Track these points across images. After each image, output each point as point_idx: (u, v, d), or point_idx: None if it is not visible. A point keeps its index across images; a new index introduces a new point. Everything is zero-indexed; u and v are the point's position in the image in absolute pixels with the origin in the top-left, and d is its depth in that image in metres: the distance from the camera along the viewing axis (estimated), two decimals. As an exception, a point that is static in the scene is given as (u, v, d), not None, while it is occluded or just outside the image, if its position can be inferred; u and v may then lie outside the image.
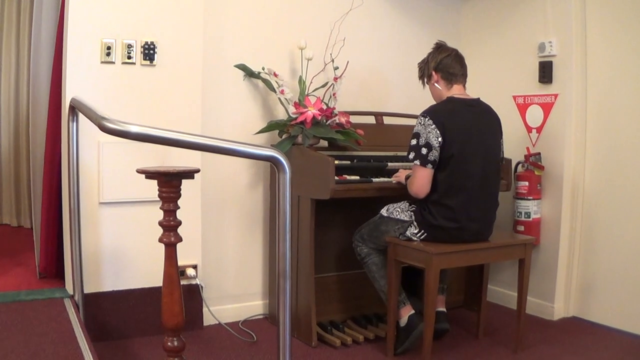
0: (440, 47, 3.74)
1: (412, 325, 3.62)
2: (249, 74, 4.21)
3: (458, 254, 3.48)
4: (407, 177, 3.65)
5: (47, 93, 3.96)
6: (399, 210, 3.66)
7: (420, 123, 3.49)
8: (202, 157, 3.85)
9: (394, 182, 3.81)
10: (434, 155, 3.44)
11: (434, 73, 3.69)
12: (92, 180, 3.62)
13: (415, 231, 3.55)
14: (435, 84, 3.69)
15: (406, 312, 3.66)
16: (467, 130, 3.49)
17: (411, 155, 3.49)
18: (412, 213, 3.59)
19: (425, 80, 3.79)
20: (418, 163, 3.46)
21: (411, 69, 3.91)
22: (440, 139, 3.42)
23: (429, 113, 3.50)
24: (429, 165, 3.45)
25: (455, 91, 3.65)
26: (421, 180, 3.48)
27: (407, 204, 3.67)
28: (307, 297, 3.85)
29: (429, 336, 3.41)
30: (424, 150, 3.44)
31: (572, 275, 4.42)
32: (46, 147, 3.90)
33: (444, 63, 3.66)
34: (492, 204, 3.64)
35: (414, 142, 3.50)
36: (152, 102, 3.77)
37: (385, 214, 3.72)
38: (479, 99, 3.69)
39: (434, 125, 3.43)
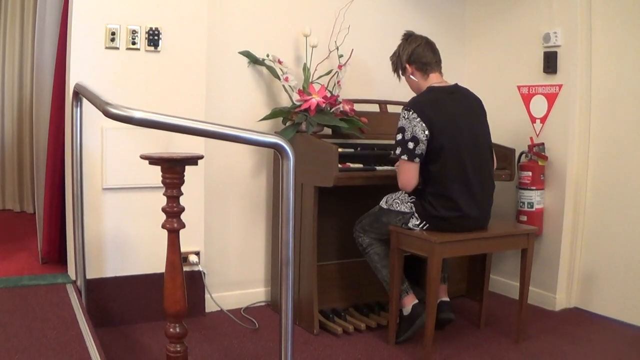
0: (409, 37, 3.72)
1: (415, 314, 3.63)
2: (253, 60, 4.20)
3: (461, 243, 3.48)
4: None
5: (51, 78, 3.96)
6: (398, 202, 3.64)
7: (404, 117, 3.47)
8: (206, 143, 3.84)
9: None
10: (421, 148, 3.42)
11: (407, 65, 3.67)
12: (95, 165, 3.62)
13: (417, 222, 3.54)
14: (411, 76, 3.68)
15: (409, 301, 3.66)
16: (453, 118, 3.47)
17: (398, 150, 3.47)
18: (412, 204, 3.57)
19: (400, 73, 3.78)
20: (405, 158, 3.44)
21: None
22: (427, 132, 3.40)
23: (412, 106, 3.47)
24: (417, 159, 3.44)
25: (433, 80, 3.63)
26: (409, 173, 3.47)
27: (406, 194, 3.65)
28: (310, 284, 3.86)
29: (431, 325, 3.41)
30: (410, 145, 3.42)
31: (574, 266, 4.42)
32: (50, 133, 3.90)
33: (416, 53, 3.64)
34: (489, 188, 3.62)
35: (399, 136, 3.47)
36: (156, 88, 3.76)
37: (385, 206, 3.71)
38: (457, 84, 3.67)
39: (419, 119, 3.41)
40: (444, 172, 3.45)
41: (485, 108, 3.72)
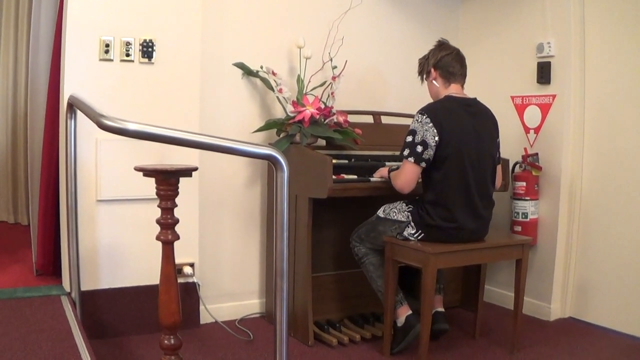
0: (442, 45, 3.74)
1: (409, 325, 3.62)
2: (247, 72, 4.21)
3: (455, 254, 3.48)
4: (390, 171, 3.66)
5: (45, 90, 3.96)
6: (395, 211, 3.65)
7: (417, 120, 3.49)
8: (200, 155, 3.85)
9: (377, 178, 3.81)
10: (429, 154, 3.43)
11: (432, 70, 3.69)
12: (89, 177, 3.62)
13: (413, 231, 3.54)
14: (433, 81, 3.69)
15: (404, 312, 3.66)
16: (464, 130, 3.48)
17: (405, 152, 3.48)
18: (409, 213, 3.58)
19: (424, 76, 3.79)
20: (412, 160, 3.44)
21: (409, 68, 3.92)
22: (437, 138, 3.42)
23: (427, 111, 3.49)
24: (422, 164, 3.44)
25: (453, 90, 3.64)
26: (409, 175, 3.48)
27: (404, 204, 3.66)
28: (304, 296, 3.85)
29: (426, 336, 3.41)
30: (419, 148, 3.43)
31: (569, 276, 4.43)
32: (44, 145, 3.90)
33: (444, 61, 3.65)
34: (488, 203, 3.63)
35: (409, 138, 3.49)
36: (150, 100, 3.77)
37: (382, 215, 3.72)
38: (475, 99, 3.69)
39: (431, 124, 3.43)
40: (446, 181, 3.46)
41: (499, 128, 3.76)
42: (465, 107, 3.58)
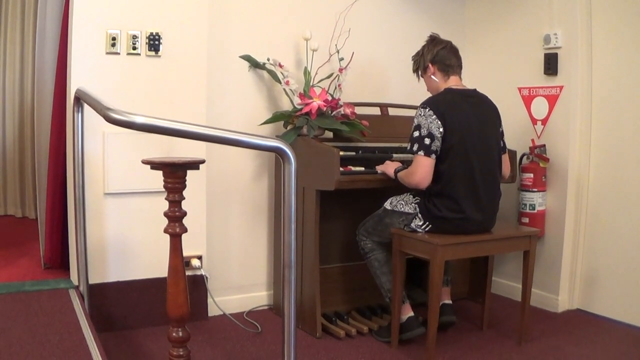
0: (434, 40, 3.75)
1: (408, 327, 3.67)
2: (254, 64, 4.20)
3: (463, 246, 3.48)
4: (397, 171, 3.64)
5: (52, 84, 3.96)
6: (402, 203, 3.65)
7: (420, 114, 3.49)
8: (207, 147, 3.84)
9: (379, 172, 3.80)
10: (436, 145, 3.44)
11: (430, 65, 3.69)
12: (97, 171, 3.63)
13: (420, 223, 3.54)
14: (432, 77, 3.70)
15: (405, 312, 3.69)
16: (466, 120, 3.49)
17: (415, 147, 3.48)
18: (416, 205, 3.58)
19: (420, 73, 3.79)
20: (422, 154, 3.44)
21: (416, 60, 3.90)
22: (441, 129, 3.42)
23: (429, 104, 3.50)
24: (433, 155, 3.44)
25: (452, 82, 3.66)
26: (424, 169, 3.46)
27: (411, 196, 3.66)
28: (312, 288, 3.86)
29: (434, 328, 3.41)
30: (427, 141, 3.43)
31: (577, 268, 4.42)
32: (51, 138, 3.91)
33: (440, 55, 3.67)
34: (495, 194, 3.62)
35: (416, 133, 3.49)
36: (157, 93, 3.77)
37: (389, 207, 3.72)
38: (475, 89, 3.70)
39: (434, 116, 3.43)
40: (451, 172, 3.46)
41: (501, 116, 3.75)
42: (466, 98, 3.59)
